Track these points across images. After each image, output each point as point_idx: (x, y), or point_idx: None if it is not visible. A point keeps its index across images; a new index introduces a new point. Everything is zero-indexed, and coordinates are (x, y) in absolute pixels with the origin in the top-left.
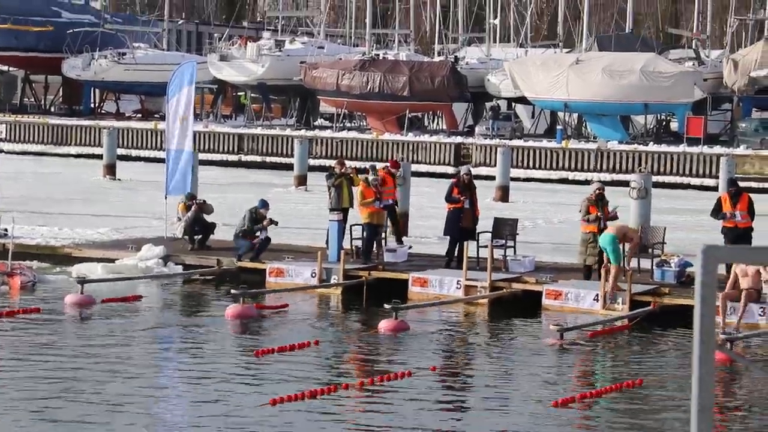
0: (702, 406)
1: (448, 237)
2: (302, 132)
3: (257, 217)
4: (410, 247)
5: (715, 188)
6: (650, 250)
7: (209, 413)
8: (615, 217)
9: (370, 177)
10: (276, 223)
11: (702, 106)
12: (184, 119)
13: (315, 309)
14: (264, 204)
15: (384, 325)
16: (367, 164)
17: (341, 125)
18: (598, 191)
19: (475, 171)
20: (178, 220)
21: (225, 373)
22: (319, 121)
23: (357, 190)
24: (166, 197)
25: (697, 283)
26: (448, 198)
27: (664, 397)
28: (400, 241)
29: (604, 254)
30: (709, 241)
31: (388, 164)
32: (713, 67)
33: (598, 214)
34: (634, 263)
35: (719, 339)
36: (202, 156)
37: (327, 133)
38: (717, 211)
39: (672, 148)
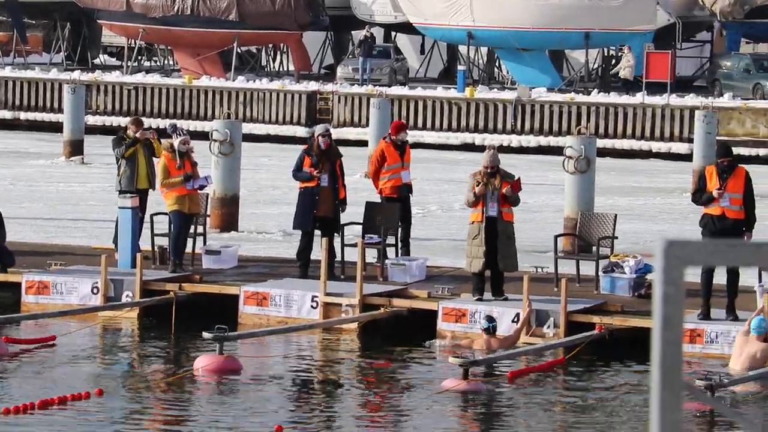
0: None
1: (299, 231)
2: (75, 75)
3: None
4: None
5: (687, 156)
6: (594, 249)
7: None
8: (513, 199)
9: (176, 142)
10: None
11: (669, 35)
12: None
13: (97, 343)
14: None
15: (203, 363)
16: (176, 123)
17: (135, 65)
18: (485, 167)
19: (337, 133)
20: None
21: None
22: (102, 59)
23: (159, 163)
24: None
25: (656, 295)
26: (297, 173)
27: None
28: (406, 250)
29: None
30: (680, 235)
31: (389, 131)
32: None
33: (476, 191)
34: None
35: (692, 380)
36: None
37: (113, 77)
38: (702, 191)
39: (625, 99)
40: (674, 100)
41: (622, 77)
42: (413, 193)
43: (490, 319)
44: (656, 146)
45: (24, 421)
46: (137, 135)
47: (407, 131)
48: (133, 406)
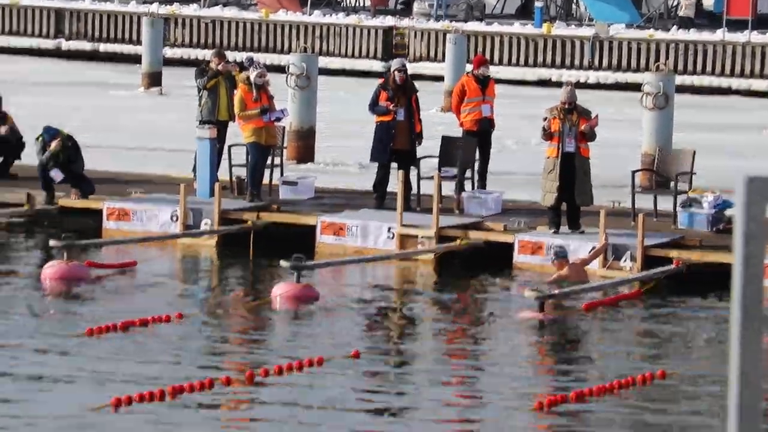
0: (743, 406)
1: (376, 164)
2: (154, 8)
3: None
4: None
5: (767, 94)
6: (673, 185)
7: (20, 416)
8: (591, 135)
9: (253, 75)
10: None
11: None
12: None
13: (177, 268)
14: (52, 134)
15: (281, 290)
16: (252, 56)
17: None
18: (563, 103)
19: (413, 68)
20: None
21: (40, 362)
22: None
23: (236, 95)
24: None
25: (736, 233)
26: (374, 107)
27: (693, 395)
28: (483, 184)
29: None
30: (762, 171)
31: (472, 65)
32: None
33: (555, 129)
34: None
35: None
36: None
37: (191, 10)
38: None
39: (705, 36)
40: (755, 37)
41: (682, 15)
42: (495, 127)
43: (561, 248)
44: (736, 83)
45: (106, 341)
46: (219, 67)
47: (489, 66)
48: (217, 331)
